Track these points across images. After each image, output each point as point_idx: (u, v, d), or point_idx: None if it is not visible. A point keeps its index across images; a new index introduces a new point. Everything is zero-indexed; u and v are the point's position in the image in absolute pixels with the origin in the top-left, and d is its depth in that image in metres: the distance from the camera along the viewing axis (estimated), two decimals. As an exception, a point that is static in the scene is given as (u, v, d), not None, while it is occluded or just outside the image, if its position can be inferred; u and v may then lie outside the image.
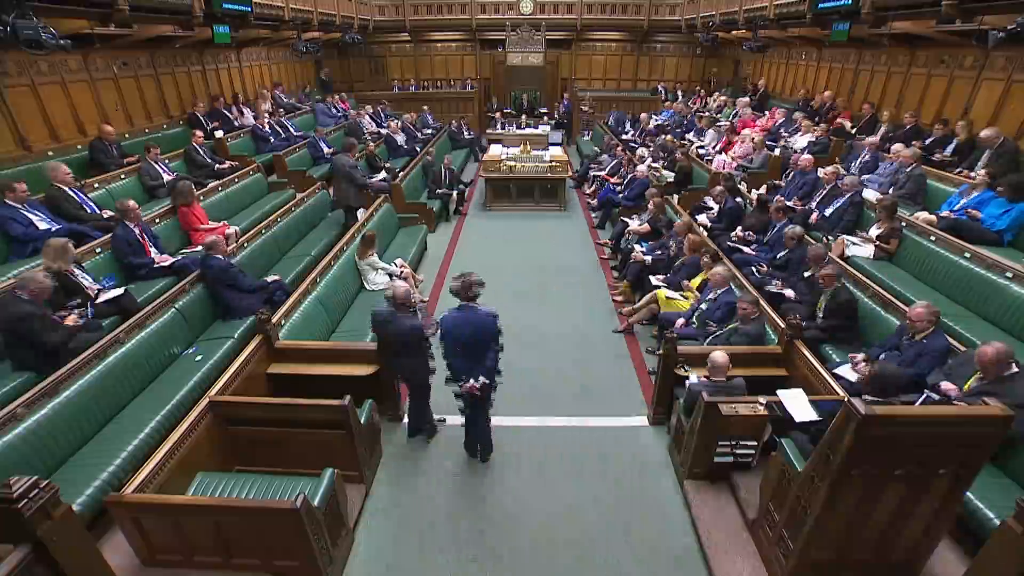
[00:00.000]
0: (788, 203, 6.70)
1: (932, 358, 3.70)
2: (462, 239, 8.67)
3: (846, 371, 4.06)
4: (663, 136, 11.37)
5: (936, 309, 3.79)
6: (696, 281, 5.55)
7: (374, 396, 4.04)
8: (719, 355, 3.77)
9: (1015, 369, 3.17)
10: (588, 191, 10.83)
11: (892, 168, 6.71)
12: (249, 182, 7.77)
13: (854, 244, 5.74)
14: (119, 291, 4.60)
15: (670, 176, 9.29)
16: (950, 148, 6.82)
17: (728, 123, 10.83)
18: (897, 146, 6.82)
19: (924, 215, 5.61)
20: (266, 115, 10.02)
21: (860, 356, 4.08)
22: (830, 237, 6.03)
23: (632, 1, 15.00)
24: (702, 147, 10.52)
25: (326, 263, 5.61)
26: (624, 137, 12.71)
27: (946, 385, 3.45)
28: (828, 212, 6.34)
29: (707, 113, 12.49)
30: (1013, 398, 2.90)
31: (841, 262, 5.35)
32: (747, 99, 11.82)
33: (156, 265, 5.20)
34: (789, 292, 5.23)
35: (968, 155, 6.41)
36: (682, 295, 5.58)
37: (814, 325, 4.62)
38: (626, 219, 7.92)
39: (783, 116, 10.09)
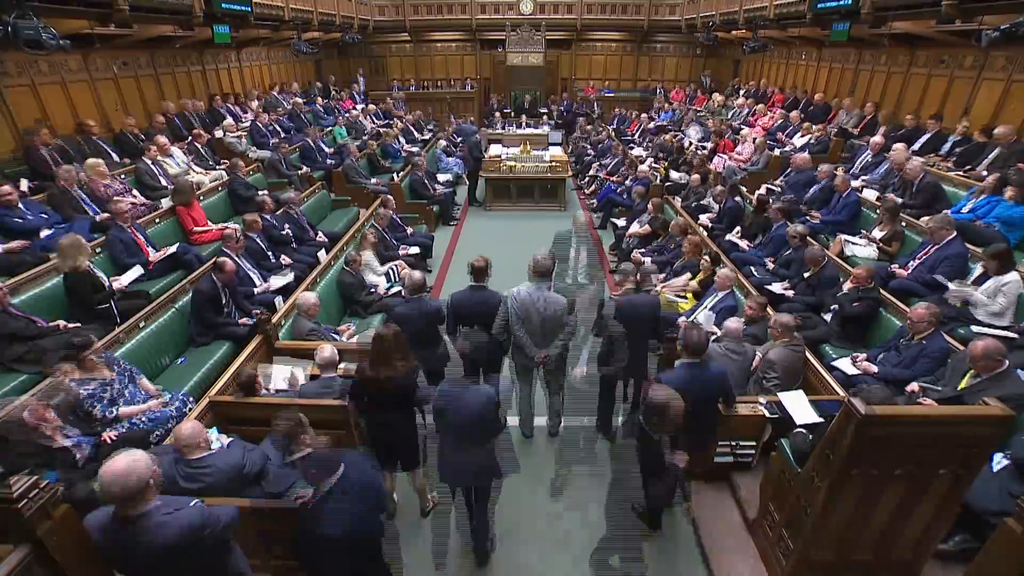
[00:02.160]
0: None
1: (931, 360, 3.69)
2: (462, 239, 8.66)
3: (845, 364, 4.07)
4: (663, 137, 11.37)
5: (937, 310, 3.78)
6: (694, 283, 5.55)
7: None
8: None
9: (1007, 365, 3.17)
10: (588, 191, 10.78)
11: (886, 168, 6.72)
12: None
13: (852, 244, 5.74)
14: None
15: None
16: (946, 147, 6.83)
17: (726, 124, 10.84)
18: (898, 146, 6.84)
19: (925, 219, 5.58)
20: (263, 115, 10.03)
21: (862, 356, 4.08)
22: (828, 237, 6.05)
23: (632, 1, 15.01)
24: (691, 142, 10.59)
25: (326, 263, 5.61)
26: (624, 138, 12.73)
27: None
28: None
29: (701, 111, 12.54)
30: (1007, 392, 2.91)
31: (841, 262, 5.35)
32: (744, 99, 11.84)
33: (153, 262, 5.17)
34: (789, 292, 5.23)
35: (977, 155, 6.36)
36: (681, 296, 5.58)
37: (827, 322, 4.63)
38: (615, 220, 7.88)
39: (782, 117, 10.10)
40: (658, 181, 8.90)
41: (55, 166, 5.72)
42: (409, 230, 7.40)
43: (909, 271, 4.85)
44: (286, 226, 6.32)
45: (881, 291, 4.60)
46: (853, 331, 4.54)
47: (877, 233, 5.65)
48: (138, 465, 1.90)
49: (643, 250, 6.83)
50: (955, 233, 4.67)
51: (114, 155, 6.90)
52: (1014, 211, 4.97)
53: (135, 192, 6.25)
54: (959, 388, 3.32)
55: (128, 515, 1.91)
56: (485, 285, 3.93)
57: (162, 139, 7.16)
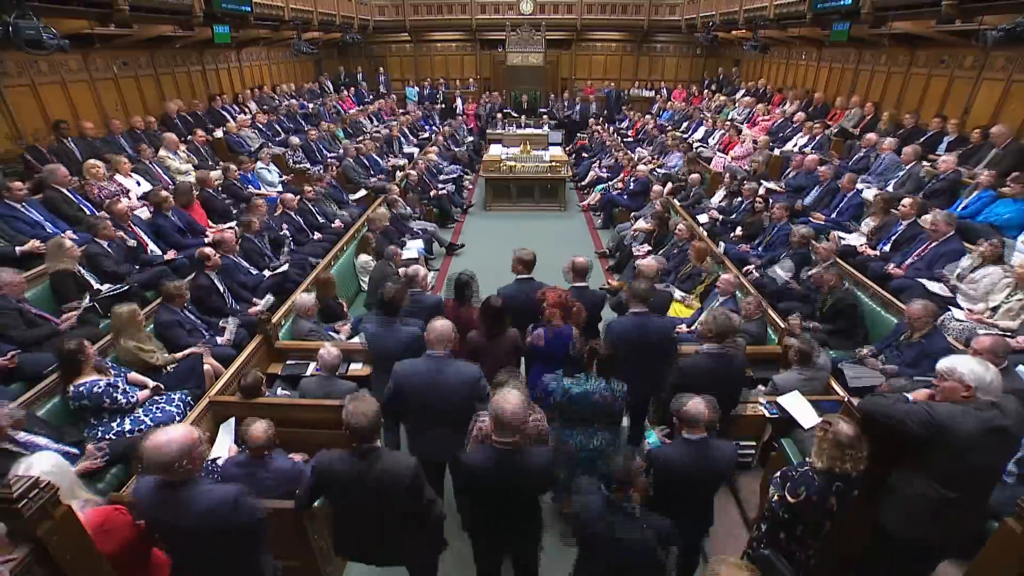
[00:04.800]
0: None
1: (933, 360, 3.66)
2: (462, 239, 8.65)
3: (850, 370, 4.04)
4: (663, 136, 11.38)
5: (934, 307, 3.77)
6: (699, 288, 5.54)
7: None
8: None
9: (1006, 363, 3.17)
10: (593, 201, 9.82)
11: (883, 163, 6.73)
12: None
13: (846, 242, 5.75)
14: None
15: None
16: (942, 147, 6.84)
17: (730, 123, 10.85)
18: (888, 141, 6.88)
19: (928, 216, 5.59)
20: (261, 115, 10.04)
21: (867, 351, 4.07)
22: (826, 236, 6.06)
23: (632, 1, 15.00)
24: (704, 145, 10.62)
25: (326, 263, 5.62)
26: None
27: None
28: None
29: (707, 113, 12.54)
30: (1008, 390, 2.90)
31: (840, 261, 5.34)
32: (749, 98, 11.85)
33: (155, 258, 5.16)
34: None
35: (974, 154, 6.34)
36: (686, 301, 5.56)
37: (814, 328, 4.61)
38: (624, 224, 7.89)
39: (782, 116, 10.11)
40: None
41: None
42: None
43: (905, 269, 4.87)
44: (284, 227, 6.32)
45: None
46: (843, 337, 4.54)
47: (869, 222, 5.68)
48: (175, 437, 2.08)
49: (647, 249, 6.82)
50: (954, 231, 4.72)
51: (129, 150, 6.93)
52: (1013, 208, 4.99)
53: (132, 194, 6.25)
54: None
55: (172, 482, 2.09)
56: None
57: (171, 135, 7.26)
